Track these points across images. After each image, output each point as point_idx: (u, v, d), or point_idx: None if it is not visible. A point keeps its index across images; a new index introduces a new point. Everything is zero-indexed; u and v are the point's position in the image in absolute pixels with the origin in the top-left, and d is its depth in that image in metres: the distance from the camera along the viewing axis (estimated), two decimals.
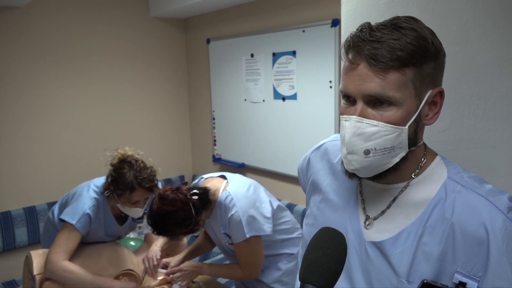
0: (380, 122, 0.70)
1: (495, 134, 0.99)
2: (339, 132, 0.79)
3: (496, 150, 1.00)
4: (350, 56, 0.71)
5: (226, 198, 1.62)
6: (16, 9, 2.95)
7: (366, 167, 0.73)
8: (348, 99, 0.74)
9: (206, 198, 1.62)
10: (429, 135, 1.10)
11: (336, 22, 2.52)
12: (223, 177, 1.75)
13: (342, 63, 0.76)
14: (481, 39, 0.99)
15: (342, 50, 0.74)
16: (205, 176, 1.81)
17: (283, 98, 2.97)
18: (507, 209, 0.69)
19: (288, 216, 1.79)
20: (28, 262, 1.81)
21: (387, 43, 0.67)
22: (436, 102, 0.75)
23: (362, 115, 0.71)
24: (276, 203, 1.74)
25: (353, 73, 0.71)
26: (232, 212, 1.58)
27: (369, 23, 0.71)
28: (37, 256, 1.80)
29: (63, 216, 1.77)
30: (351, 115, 0.72)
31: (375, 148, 0.71)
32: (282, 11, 2.92)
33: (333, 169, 0.91)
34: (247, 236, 1.58)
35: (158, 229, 1.57)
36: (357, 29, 0.72)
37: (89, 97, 3.36)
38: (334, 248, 0.64)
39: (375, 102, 0.70)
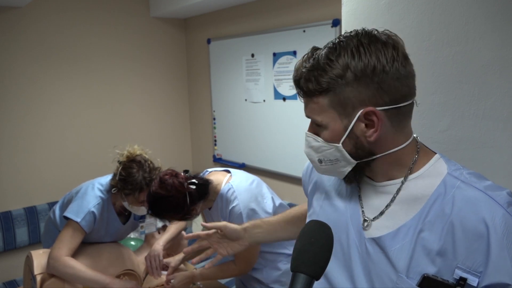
0: (319, 139, 0.80)
1: (495, 134, 1.00)
2: None
3: (496, 150, 1.00)
4: None
5: (228, 190, 1.62)
6: (16, 9, 2.96)
7: (325, 172, 0.85)
8: None
9: (205, 189, 1.61)
10: (429, 135, 1.10)
11: (336, 22, 2.52)
12: (228, 171, 1.75)
13: None
14: (481, 40, 0.99)
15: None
16: (209, 170, 1.82)
17: (284, 98, 2.97)
18: (507, 203, 0.69)
19: None
20: (29, 262, 1.81)
21: (305, 75, 0.76)
22: (372, 120, 0.74)
23: (311, 131, 0.82)
24: (278, 201, 1.74)
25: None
26: (234, 205, 1.58)
27: (315, 48, 0.79)
28: (38, 256, 1.80)
29: (67, 214, 1.76)
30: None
31: (323, 159, 0.82)
32: (282, 11, 2.92)
33: None
34: None
35: (152, 211, 1.59)
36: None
37: (89, 97, 3.36)
38: (318, 237, 0.67)
39: None
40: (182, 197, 1.53)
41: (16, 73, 3.00)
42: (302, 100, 0.81)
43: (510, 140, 0.98)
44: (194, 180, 1.59)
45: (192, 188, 1.56)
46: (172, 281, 1.75)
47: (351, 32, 0.76)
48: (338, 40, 0.76)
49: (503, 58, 0.96)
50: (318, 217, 0.91)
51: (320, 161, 0.82)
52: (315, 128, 0.81)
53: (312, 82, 0.75)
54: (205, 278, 1.78)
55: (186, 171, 1.66)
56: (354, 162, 0.79)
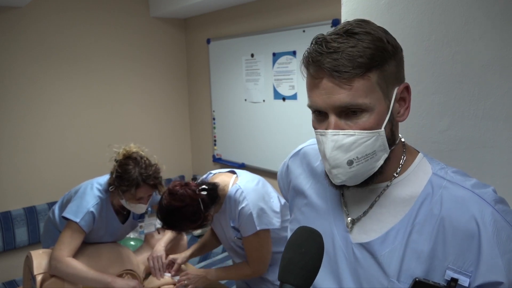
0: (356, 131, 0.69)
1: (495, 134, 0.99)
2: None
3: (496, 150, 1.00)
4: (312, 71, 0.71)
5: (236, 191, 1.61)
6: (16, 9, 2.96)
7: (352, 177, 0.72)
8: (320, 113, 0.73)
9: (215, 193, 1.61)
10: (429, 135, 1.10)
11: (336, 22, 2.52)
12: (232, 172, 1.75)
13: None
14: (481, 40, 0.99)
15: (301, 67, 0.74)
16: (213, 171, 1.81)
17: (283, 98, 2.97)
18: (494, 201, 0.69)
19: None
20: (28, 262, 1.81)
21: (345, 52, 0.67)
22: (404, 97, 0.75)
23: (337, 127, 0.70)
24: (283, 200, 1.74)
25: (319, 87, 0.70)
26: (243, 205, 1.58)
27: (323, 35, 0.71)
28: (37, 256, 1.80)
29: (66, 214, 1.76)
30: (325, 129, 0.71)
31: (357, 157, 0.70)
32: (282, 11, 2.92)
33: (314, 172, 0.90)
34: (257, 229, 1.57)
35: (168, 224, 1.58)
36: (312, 43, 0.72)
37: (89, 97, 3.36)
38: (309, 247, 0.65)
39: (347, 112, 0.70)
40: (197, 205, 1.54)
41: (16, 73, 3.00)
42: (325, 87, 0.69)
43: (510, 140, 0.98)
44: (204, 186, 1.59)
45: (204, 195, 1.56)
46: (185, 281, 1.74)
47: (349, 21, 0.73)
48: (353, 21, 0.72)
49: (503, 58, 0.96)
50: (300, 224, 0.87)
51: (350, 162, 0.70)
52: (344, 122, 0.70)
53: (362, 56, 0.66)
54: (220, 277, 1.77)
55: (194, 179, 1.67)
56: (388, 150, 0.73)
